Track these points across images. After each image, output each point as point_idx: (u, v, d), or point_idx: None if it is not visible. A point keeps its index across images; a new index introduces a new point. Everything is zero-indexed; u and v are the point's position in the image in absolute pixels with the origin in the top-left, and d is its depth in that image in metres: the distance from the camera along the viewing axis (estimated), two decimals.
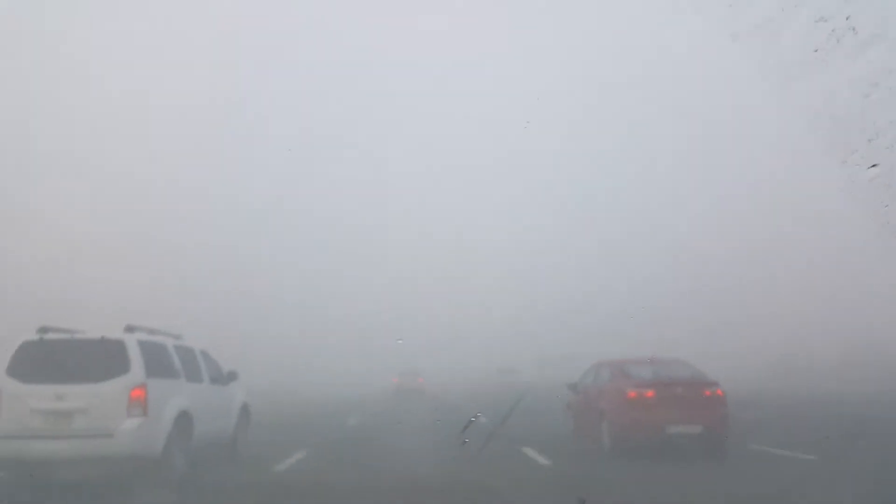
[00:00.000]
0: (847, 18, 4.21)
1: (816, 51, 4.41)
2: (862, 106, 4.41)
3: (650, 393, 10.68)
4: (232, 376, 10.80)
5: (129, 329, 8.55)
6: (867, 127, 4.37)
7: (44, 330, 8.35)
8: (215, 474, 9.02)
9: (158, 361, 8.55)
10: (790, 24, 4.61)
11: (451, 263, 61.70)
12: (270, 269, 48.85)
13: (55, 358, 8.12)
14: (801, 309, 36.16)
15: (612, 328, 35.95)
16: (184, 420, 8.59)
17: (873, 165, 4.35)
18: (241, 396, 11.08)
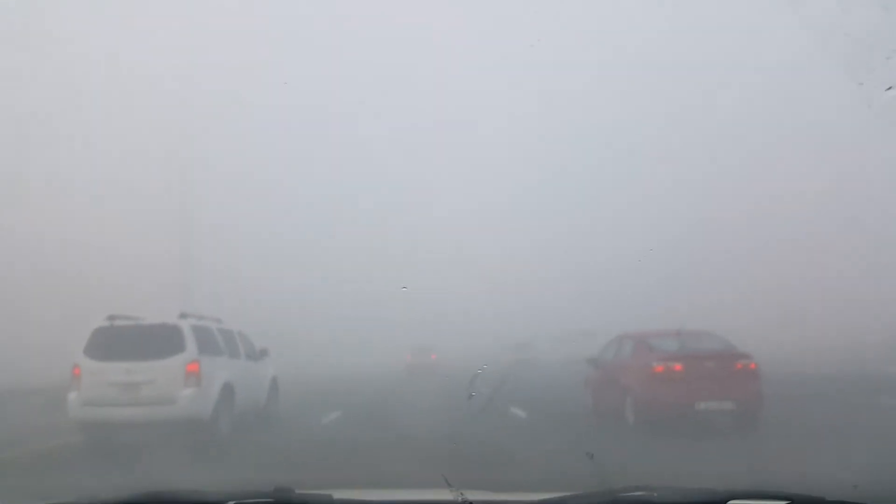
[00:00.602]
0: None
1: None
2: (880, 21, 4.13)
3: (678, 367, 10.04)
4: (263, 353, 12.43)
5: (183, 315, 10.21)
6: (885, 44, 4.08)
7: (112, 317, 9.94)
8: (259, 434, 10.77)
9: (206, 342, 10.22)
10: None
11: (464, 237, 61.11)
12: (287, 249, 48.66)
13: (124, 340, 9.75)
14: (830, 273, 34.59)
15: (635, 303, 35.12)
16: (227, 390, 10.19)
17: (890, 88, 4.05)
18: (271, 371, 12.73)
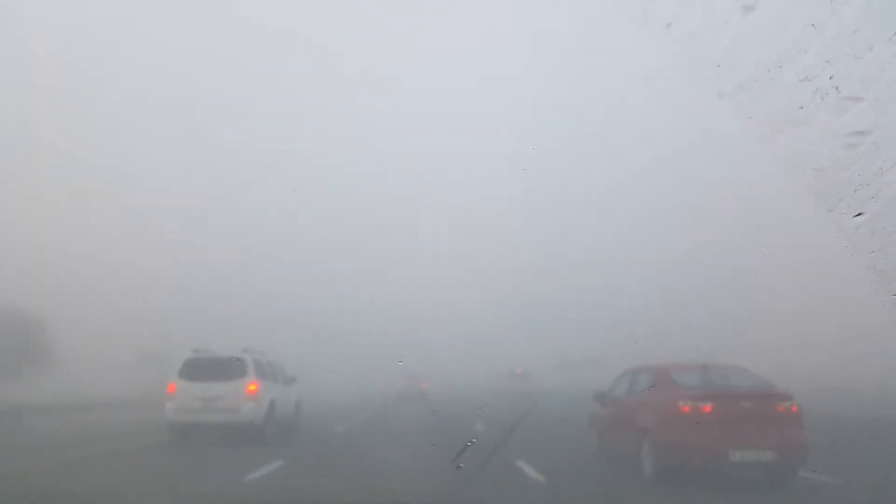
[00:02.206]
0: (830, 78, 4.53)
1: (801, 108, 4.74)
2: (846, 158, 4.69)
3: (708, 407, 8.52)
4: (292, 379, 16.20)
5: (245, 350, 14.39)
6: (852, 178, 4.66)
7: (197, 350, 14.27)
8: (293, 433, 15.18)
9: (260, 370, 14.18)
10: (775, 83, 4.93)
11: (464, 259, 59.68)
12: (284, 272, 47.71)
13: (205, 367, 13.79)
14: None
15: (643, 331, 33.56)
16: (272, 405, 14.07)
17: (858, 214, 4.63)
18: (298, 393, 16.50)
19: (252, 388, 13.54)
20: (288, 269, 48.96)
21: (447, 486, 7.89)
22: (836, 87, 4.60)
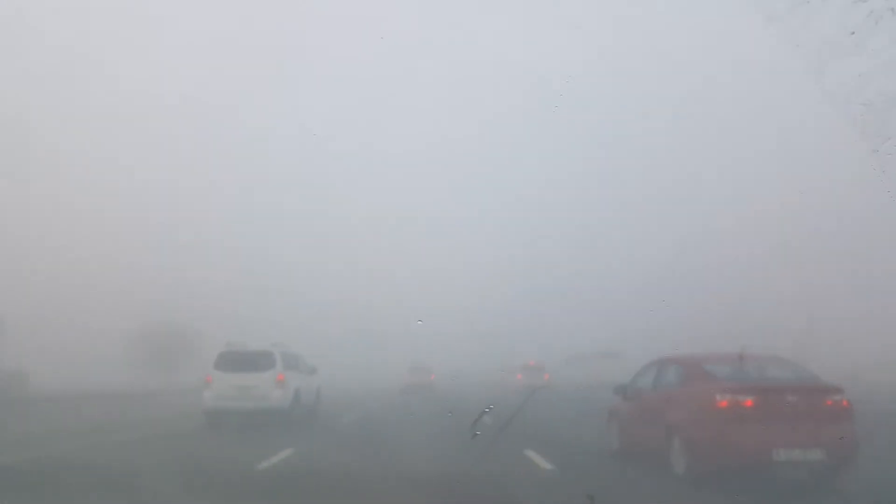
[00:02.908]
0: None
1: (853, 33, 4.38)
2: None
3: (749, 402, 7.70)
4: (313, 370, 17.76)
5: (274, 344, 16.01)
6: None
7: (230, 344, 15.84)
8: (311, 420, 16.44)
9: (287, 361, 15.75)
10: (827, 5, 4.50)
11: (472, 253, 58.86)
12: (294, 268, 47.83)
13: (239, 359, 15.40)
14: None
15: (658, 324, 32.52)
16: (297, 393, 15.68)
17: None
18: (318, 382, 17.98)
19: (280, 378, 15.26)
20: (305, 269, 49.19)
21: (455, 471, 8.25)
22: (892, 9, 4.28)
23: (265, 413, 14.76)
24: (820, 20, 4.67)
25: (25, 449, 11.61)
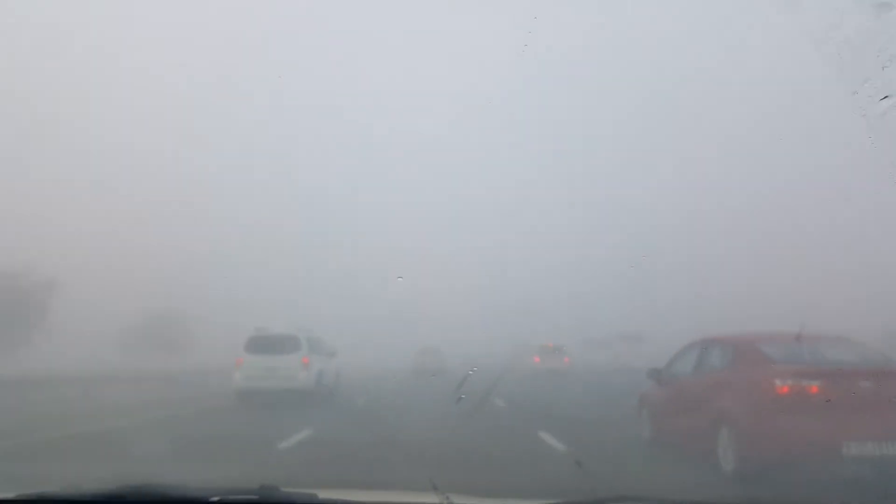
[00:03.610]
0: None
1: None
2: (875, 28, 4.11)
3: (814, 388, 6.73)
4: (333, 353, 18.70)
5: (299, 329, 17.15)
6: (881, 52, 4.07)
7: (259, 329, 17.15)
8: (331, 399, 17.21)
9: (311, 345, 17.00)
10: None
11: (485, 231, 57.89)
12: (303, 251, 47.79)
13: (266, 342, 16.68)
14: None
15: (681, 305, 31.37)
16: (319, 374, 16.82)
17: (885, 97, 4.04)
18: (337, 364, 18.92)
19: (305, 360, 16.36)
20: (314, 252, 48.88)
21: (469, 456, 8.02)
22: None
23: (291, 393, 15.72)
24: None
25: (77, 426, 12.66)
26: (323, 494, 2.48)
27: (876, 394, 6.74)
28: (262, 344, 16.56)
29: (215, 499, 2.32)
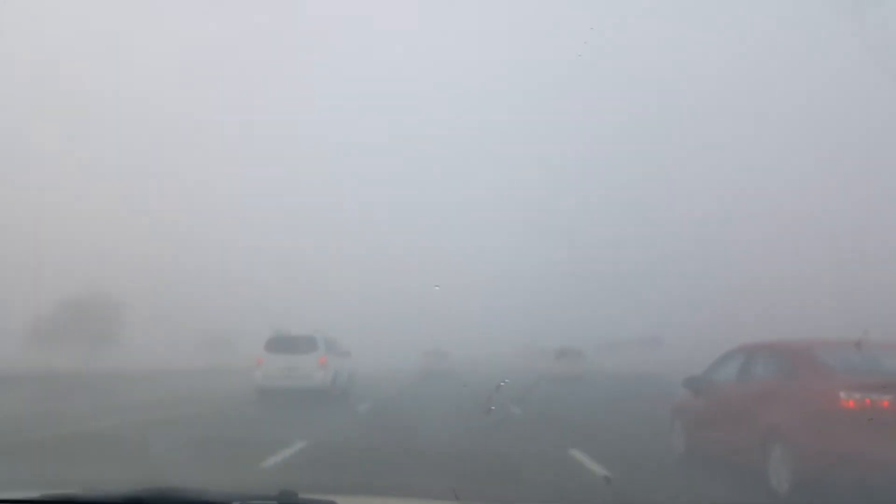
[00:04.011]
0: None
1: None
2: None
3: (885, 402, 6.02)
4: (347, 354, 19.67)
5: (317, 330, 18.00)
6: None
7: (278, 330, 17.77)
8: (344, 399, 17.82)
9: (328, 345, 17.78)
10: None
11: (497, 229, 57.21)
12: (309, 254, 47.63)
13: (286, 343, 17.36)
14: None
15: (701, 309, 30.40)
16: (335, 374, 17.65)
17: None
18: (351, 365, 20.00)
19: (322, 360, 17.04)
20: (321, 255, 48.49)
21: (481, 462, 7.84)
22: None
23: (308, 391, 16.44)
24: None
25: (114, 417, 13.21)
26: (341, 501, 2.50)
27: None
28: (282, 344, 17.23)
29: (235, 503, 2.36)
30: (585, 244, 49.56)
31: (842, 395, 6.19)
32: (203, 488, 2.52)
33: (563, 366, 26.93)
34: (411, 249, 55.16)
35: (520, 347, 35.03)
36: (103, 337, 24.83)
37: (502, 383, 10.34)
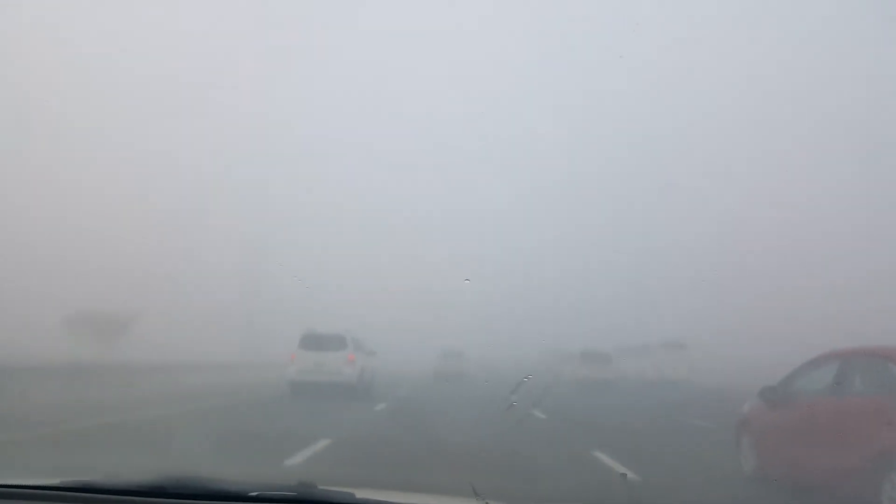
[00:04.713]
0: None
1: None
2: None
3: None
4: (373, 352, 20.76)
5: (346, 330, 19.38)
6: None
7: (310, 329, 19.13)
8: (373, 393, 19.17)
9: (356, 344, 19.24)
10: None
11: (512, 230, 56.25)
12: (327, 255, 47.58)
13: (317, 341, 18.73)
14: None
15: (725, 312, 29.20)
16: (362, 371, 18.91)
17: None
18: (375, 363, 20.94)
19: (351, 357, 18.23)
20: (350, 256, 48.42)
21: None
22: None
23: (337, 386, 17.50)
24: None
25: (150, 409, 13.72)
26: (360, 494, 2.47)
27: None
28: (314, 342, 18.54)
29: (253, 494, 2.35)
30: (607, 247, 48.49)
31: None
32: (222, 478, 2.52)
33: (589, 370, 25.69)
34: (430, 251, 54.34)
35: (543, 351, 33.73)
36: (143, 331, 26.49)
37: (526, 378, 9.85)
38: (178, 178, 42.04)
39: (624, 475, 6.37)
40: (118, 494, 2.35)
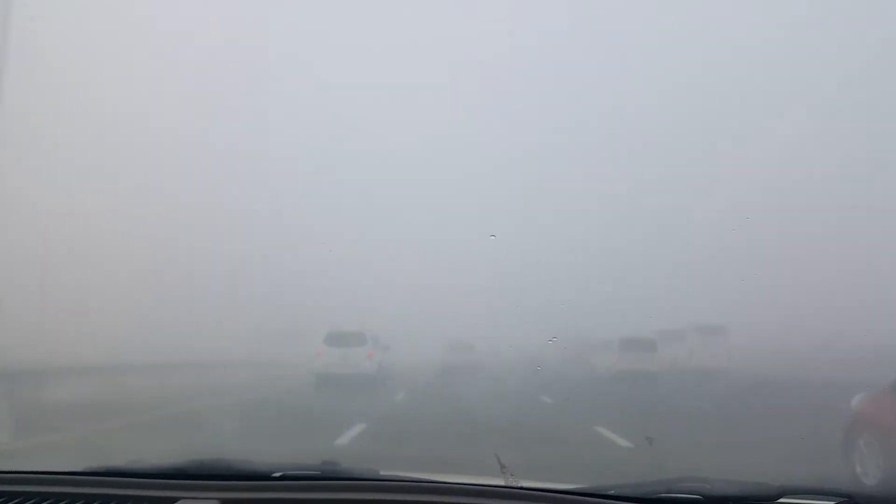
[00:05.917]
0: None
1: None
2: None
3: None
4: (387, 347, 23.17)
5: (365, 327, 22.27)
6: None
7: (334, 327, 21.95)
8: (388, 384, 20.72)
9: (374, 340, 21.80)
10: None
11: (530, 212, 55.85)
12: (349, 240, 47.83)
13: (341, 337, 21.29)
14: None
15: (765, 294, 28.32)
16: (379, 365, 21.40)
17: None
18: (390, 357, 23.35)
19: (370, 352, 20.66)
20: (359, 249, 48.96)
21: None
22: None
23: (359, 378, 19.59)
24: None
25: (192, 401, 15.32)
26: (384, 471, 2.54)
27: None
28: (337, 338, 21.03)
29: (278, 474, 2.42)
30: (635, 224, 48.05)
31: None
32: (246, 459, 2.59)
33: (629, 360, 22.65)
34: (440, 243, 54.50)
35: (572, 340, 31.06)
36: (185, 330, 29.39)
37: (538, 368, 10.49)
38: (215, 178, 43.13)
39: (649, 439, 6.66)
40: (142, 477, 2.44)
